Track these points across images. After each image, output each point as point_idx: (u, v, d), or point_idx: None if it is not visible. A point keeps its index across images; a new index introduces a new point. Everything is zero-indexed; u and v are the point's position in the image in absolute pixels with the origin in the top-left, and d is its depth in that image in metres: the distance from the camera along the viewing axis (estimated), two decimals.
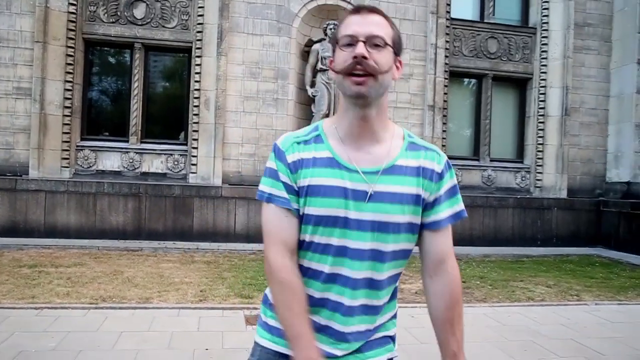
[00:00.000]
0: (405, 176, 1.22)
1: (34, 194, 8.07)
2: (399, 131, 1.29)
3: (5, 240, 7.54)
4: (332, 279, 1.21)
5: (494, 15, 10.27)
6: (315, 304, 1.22)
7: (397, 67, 1.24)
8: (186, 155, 8.79)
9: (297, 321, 1.17)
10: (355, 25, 1.18)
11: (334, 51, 1.23)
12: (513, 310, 5.14)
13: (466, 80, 10.45)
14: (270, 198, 1.23)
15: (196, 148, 8.68)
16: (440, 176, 1.26)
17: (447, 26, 9.64)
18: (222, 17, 8.65)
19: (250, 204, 8.60)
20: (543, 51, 10.13)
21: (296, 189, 1.22)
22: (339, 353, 1.22)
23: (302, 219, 1.22)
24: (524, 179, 10.24)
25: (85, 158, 8.53)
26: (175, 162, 8.77)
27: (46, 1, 8.09)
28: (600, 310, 5.28)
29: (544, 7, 10.13)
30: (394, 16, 9.38)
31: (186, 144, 8.87)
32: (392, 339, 1.35)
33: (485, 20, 10.20)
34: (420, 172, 1.24)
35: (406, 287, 5.91)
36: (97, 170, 8.55)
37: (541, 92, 10.15)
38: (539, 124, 10.14)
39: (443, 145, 9.53)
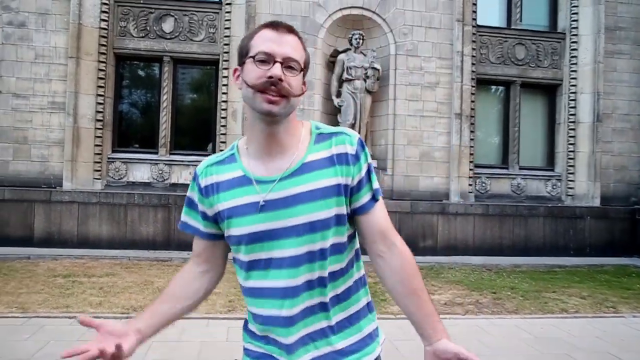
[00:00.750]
0: (318, 170, 1.19)
1: (68, 205, 8.28)
2: (306, 128, 1.25)
3: (40, 251, 7.75)
4: (270, 292, 1.20)
5: (521, 21, 10.14)
6: (265, 322, 1.22)
7: (304, 85, 1.22)
8: None
9: (149, 307, 1.31)
10: (272, 42, 1.15)
11: (242, 63, 1.19)
12: (546, 322, 5.02)
13: (494, 87, 10.33)
14: (185, 227, 1.34)
15: None
16: (357, 157, 1.22)
17: (474, 33, 9.56)
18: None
19: None
20: (573, 56, 9.95)
21: (210, 214, 1.26)
22: None
23: (229, 240, 1.25)
24: (554, 187, 10.03)
25: (117, 170, 8.73)
26: None
27: (79, 18, 8.36)
28: (638, 323, 5.11)
29: (573, 11, 9.97)
30: (420, 24, 9.37)
31: None
32: (366, 342, 1.27)
33: (513, 27, 10.09)
34: (335, 160, 1.20)
35: (435, 298, 5.83)
36: (127, 182, 8.74)
37: (571, 98, 9.96)
38: (570, 131, 9.94)
39: (471, 154, 9.42)
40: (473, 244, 9.24)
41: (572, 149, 9.92)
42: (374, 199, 1.23)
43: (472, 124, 9.50)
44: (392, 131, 9.25)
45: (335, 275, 1.21)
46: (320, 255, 1.18)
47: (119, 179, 8.73)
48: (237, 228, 1.20)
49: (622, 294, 6.44)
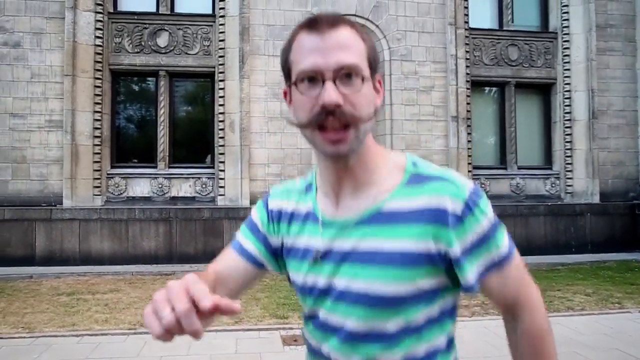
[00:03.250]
0: (402, 225, 0.87)
1: (69, 223, 8.27)
2: (398, 162, 0.95)
3: (43, 269, 7.72)
4: None
5: (512, 22, 10.22)
6: None
7: (377, 91, 0.91)
8: (214, 178, 8.92)
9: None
10: (316, 53, 0.83)
11: (288, 84, 0.91)
12: (553, 321, 4.94)
13: (488, 88, 10.38)
14: (233, 242, 1.08)
15: (223, 170, 8.80)
16: (460, 218, 0.86)
17: (467, 36, 9.63)
18: (242, 40, 8.82)
19: None
20: (565, 55, 10.03)
21: (272, 242, 1.05)
22: None
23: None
24: (553, 185, 10.07)
25: (116, 185, 8.73)
26: (203, 185, 8.90)
27: (74, 36, 8.39)
28: None
29: (563, 11, 10.06)
30: (413, 29, 9.43)
31: (213, 167, 9.00)
32: None
33: (505, 28, 10.16)
34: (428, 216, 0.86)
35: None
36: (127, 197, 8.73)
37: (566, 96, 10.02)
38: (566, 129, 10.00)
39: (469, 156, 9.46)
40: None
41: (569, 147, 9.97)
42: (495, 266, 0.90)
43: (468, 126, 9.55)
44: (389, 136, 9.28)
45: None
46: (385, 337, 0.90)
47: (119, 195, 8.73)
48: (293, 273, 1.01)
49: (626, 290, 6.46)
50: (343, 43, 0.84)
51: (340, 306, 0.91)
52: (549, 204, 9.80)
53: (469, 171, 9.45)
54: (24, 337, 4.47)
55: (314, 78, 0.84)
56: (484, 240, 0.89)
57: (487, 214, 0.90)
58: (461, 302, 5.67)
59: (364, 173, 0.92)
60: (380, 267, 0.87)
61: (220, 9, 8.95)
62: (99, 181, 8.56)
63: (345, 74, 0.83)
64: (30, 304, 5.72)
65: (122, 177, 8.76)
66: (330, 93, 0.82)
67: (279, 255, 1.05)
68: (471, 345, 4.18)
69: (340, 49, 0.83)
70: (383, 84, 0.94)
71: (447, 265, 0.88)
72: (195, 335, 0.69)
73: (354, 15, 9.30)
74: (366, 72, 0.86)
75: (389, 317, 0.88)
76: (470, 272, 0.88)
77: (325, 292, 0.93)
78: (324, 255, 0.92)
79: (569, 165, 9.97)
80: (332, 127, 0.84)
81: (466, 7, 9.69)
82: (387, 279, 0.86)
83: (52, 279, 7.28)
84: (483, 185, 9.70)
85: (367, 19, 9.33)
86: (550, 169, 10.21)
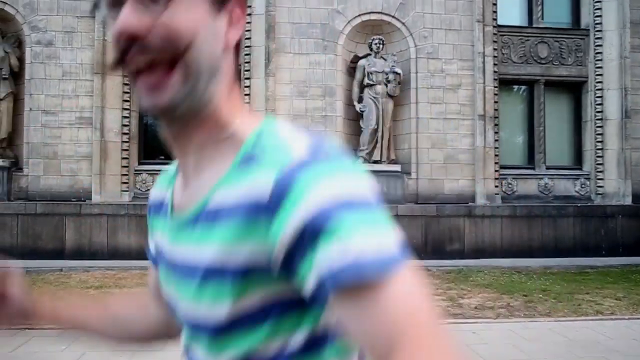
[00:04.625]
0: (220, 224, 0.59)
1: (97, 218, 8.45)
2: (242, 133, 0.62)
3: (72, 263, 7.91)
4: None
5: (542, 19, 10.01)
6: None
7: (231, 22, 0.62)
8: None
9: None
10: None
11: None
12: (581, 325, 4.91)
13: (516, 87, 10.21)
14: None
15: None
16: (275, 202, 0.54)
17: (495, 34, 9.48)
18: (268, 38, 8.86)
19: None
20: (597, 53, 9.78)
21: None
22: None
23: None
24: (583, 186, 9.84)
25: (143, 181, 8.87)
26: None
27: (104, 34, 8.55)
28: None
29: (596, 7, 9.81)
30: (439, 27, 9.32)
31: None
32: None
33: (534, 25, 9.96)
34: (245, 207, 0.57)
35: (465, 302, 5.77)
36: None
37: (598, 95, 9.77)
38: (597, 129, 9.75)
39: (496, 155, 9.31)
40: (501, 246, 9.11)
41: (600, 147, 9.73)
42: (340, 280, 0.49)
43: (496, 124, 9.40)
44: (415, 135, 9.20)
45: None
46: None
47: (146, 191, 8.87)
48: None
49: None
50: None
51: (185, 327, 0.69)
52: (579, 205, 9.57)
53: (496, 170, 9.31)
54: (54, 328, 4.56)
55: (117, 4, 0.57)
56: (318, 223, 0.51)
57: (329, 186, 0.52)
58: (485, 304, 5.60)
59: (208, 142, 0.64)
60: (198, 284, 0.61)
61: (247, 6, 8.99)
62: (126, 177, 8.72)
63: None
64: (60, 297, 5.85)
65: (149, 174, 8.91)
66: (124, 15, 0.55)
67: None
68: (495, 349, 4.12)
69: None
70: (244, 13, 0.64)
71: (288, 273, 0.56)
72: None
73: (380, 12, 9.25)
74: None
75: (220, 351, 0.62)
76: (312, 275, 0.52)
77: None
78: (168, 265, 0.69)
79: (599, 166, 9.73)
80: (141, 68, 0.58)
81: (495, 4, 9.53)
82: (206, 300, 0.60)
83: (81, 272, 7.44)
84: (510, 185, 9.54)
85: (394, 17, 9.26)
86: (580, 169, 9.98)
